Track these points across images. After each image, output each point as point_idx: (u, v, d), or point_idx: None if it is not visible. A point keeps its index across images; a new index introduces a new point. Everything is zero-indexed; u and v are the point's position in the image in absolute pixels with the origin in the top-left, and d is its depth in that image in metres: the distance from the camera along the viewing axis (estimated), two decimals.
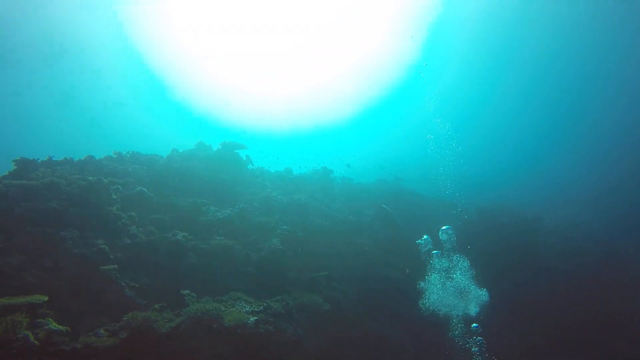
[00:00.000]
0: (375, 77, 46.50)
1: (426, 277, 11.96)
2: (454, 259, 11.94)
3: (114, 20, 41.50)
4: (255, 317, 8.01)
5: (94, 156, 14.96)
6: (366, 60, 42.28)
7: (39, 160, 12.91)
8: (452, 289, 11.64)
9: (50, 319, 6.42)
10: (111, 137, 61.26)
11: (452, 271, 12.05)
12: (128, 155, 15.88)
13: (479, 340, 10.43)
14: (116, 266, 8.53)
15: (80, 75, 51.36)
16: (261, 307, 8.55)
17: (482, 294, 11.37)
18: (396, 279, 13.37)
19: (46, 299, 6.65)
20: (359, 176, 27.50)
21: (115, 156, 15.42)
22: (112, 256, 8.81)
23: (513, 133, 55.44)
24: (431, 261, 12.05)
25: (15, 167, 12.52)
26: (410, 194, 22.80)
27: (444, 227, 13.83)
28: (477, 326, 10.94)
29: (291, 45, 39.15)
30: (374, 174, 29.96)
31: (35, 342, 5.83)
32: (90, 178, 9.94)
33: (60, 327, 6.34)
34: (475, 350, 10.26)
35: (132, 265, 9.34)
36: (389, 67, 43.94)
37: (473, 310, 11.17)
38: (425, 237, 13.47)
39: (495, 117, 53.12)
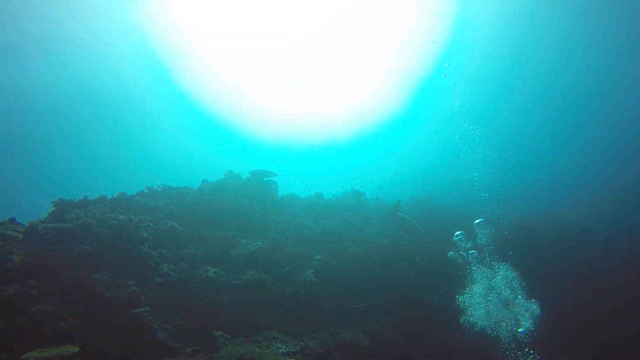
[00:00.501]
0: (390, 88, 44.80)
1: (466, 289, 11.35)
2: (494, 266, 11.27)
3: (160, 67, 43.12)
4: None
5: (126, 193, 15.17)
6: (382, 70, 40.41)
7: (75, 201, 13.16)
8: (498, 302, 10.91)
9: None
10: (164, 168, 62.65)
11: (495, 280, 11.36)
12: (159, 189, 16.03)
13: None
14: (148, 308, 8.31)
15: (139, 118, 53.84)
16: (297, 347, 8.09)
17: (533, 307, 10.57)
18: (438, 305, 12.64)
19: (76, 349, 6.47)
20: (391, 196, 26.86)
21: (147, 191, 15.60)
22: (143, 297, 8.61)
23: (541, 134, 52.35)
24: (470, 269, 11.41)
25: (54, 209, 12.79)
26: (445, 211, 21.94)
27: (478, 221, 13.15)
28: (524, 331, 10.16)
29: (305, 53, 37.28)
30: (405, 192, 29.28)
31: None
32: (121, 217, 9.92)
33: None
34: None
35: (164, 305, 9.13)
36: (404, 78, 42.44)
37: (526, 324, 10.34)
38: (459, 232, 12.89)
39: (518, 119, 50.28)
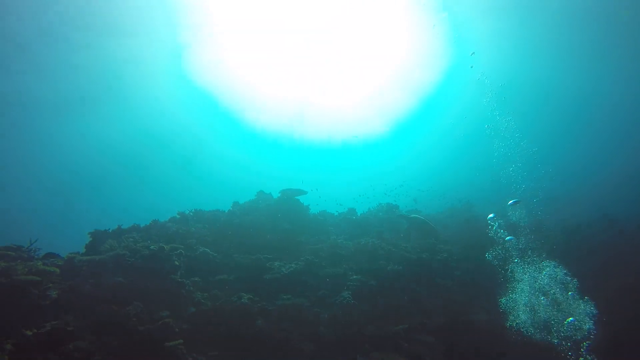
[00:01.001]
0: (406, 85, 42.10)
1: (509, 289, 10.68)
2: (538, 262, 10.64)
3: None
4: None
5: (158, 220, 15.29)
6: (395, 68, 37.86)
7: (110, 230, 13.33)
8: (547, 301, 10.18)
9: None
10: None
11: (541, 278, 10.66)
12: (191, 214, 16.07)
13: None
14: (181, 340, 8.09)
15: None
16: None
17: (588, 307, 9.80)
18: (485, 321, 11.82)
19: None
20: (425, 207, 26.00)
21: (179, 217, 15.65)
22: (177, 329, 8.41)
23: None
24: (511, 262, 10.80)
25: (90, 240, 13.00)
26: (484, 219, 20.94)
27: (511, 202, 12.51)
28: (573, 320, 9.50)
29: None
30: (441, 202, 28.28)
31: None
32: (152, 247, 9.86)
33: None
34: None
35: (198, 336, 8.90)
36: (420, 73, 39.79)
37: (585, 325, 9.56)
38: (491, 215, 12.34)
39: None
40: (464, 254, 14.87)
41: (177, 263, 10.11)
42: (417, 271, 13.02)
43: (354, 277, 11.45)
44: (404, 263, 13.20)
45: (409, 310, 11.48)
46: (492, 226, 12.33)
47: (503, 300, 10.53)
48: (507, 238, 11.71)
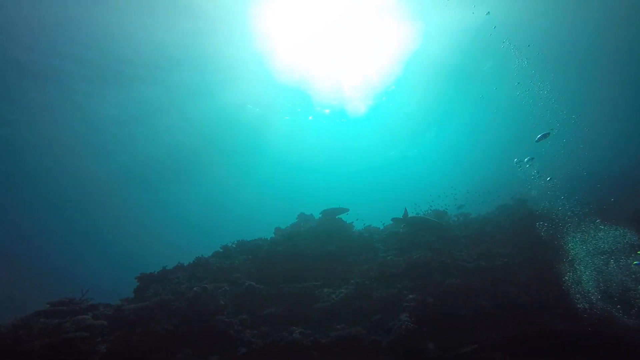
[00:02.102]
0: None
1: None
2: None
3: None
4: None
5: (203, 256, 15.13)
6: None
7: (156, 272, 13.26)
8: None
9: None
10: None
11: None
12: (234, 246, 15.83)
13: None
14: None
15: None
16: None
17: None
18: (561, 331, 10.57)
19: None
20: (473, 209, 24.54)
21: (222, 250, 15.44)
22: None
23: None
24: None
25: (138, 284, 12.95)
26: (542, 217, 19.31)
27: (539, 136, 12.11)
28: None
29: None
30: (487, 199, 26.65)
31: None
32: (195, 289, 9.53)
33: None
34: None
35: None
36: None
37: None
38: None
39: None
40: (525, 256, 13.70)
41: (222, 302, 9.72)
42: (478, 282, 11.97)
43: (410, 296, 10.59)
44: (462, 274, 12.20)
45: (473, 325, 10.46)
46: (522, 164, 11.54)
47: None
48: (547, 179, 10.89)
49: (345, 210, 16.65)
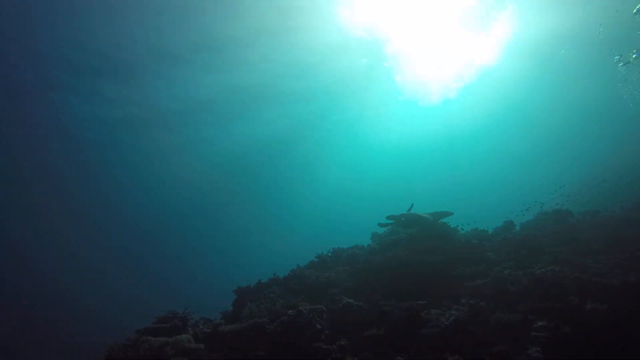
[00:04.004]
0: None
1: None
2: None
3: None
4: None
5: (299, 266, 14.74)
6: None
7: (252, 285, 13.15)
8: None
9: None
10: None
11: None
12: (329, 255, 15.18)
13: None
14: None
15: None
16: None
17: None
18: None
19: None
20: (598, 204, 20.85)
21: (317, 260, 14.90)
22: None
23: None
24: None
25: (235, 297, 12.96)
26: None
27: None
28: None
29: None
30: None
31: None
32: (290, 312, 8.93)
33: None
34: None
35: None
36: None
37: None
38: None
39: None
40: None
41: (319, 327, 8.98)
42: (626, 303, 9.58)
43: (539, 323, 8.75)
44: (605, 294, 9.88)
45: None
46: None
47: None
48: None
49: (449, 214, 14.94)
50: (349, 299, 11.10)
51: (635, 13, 9.99)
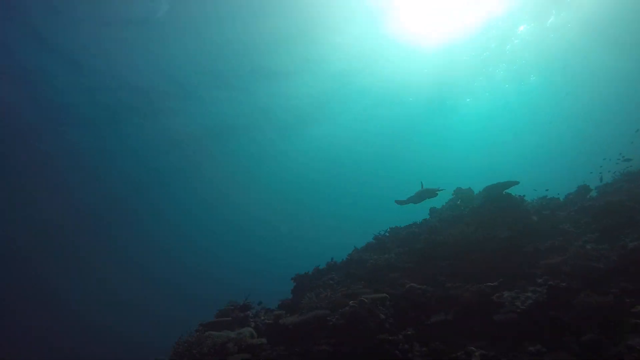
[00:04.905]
0: None
1: None
2: None
3: None
4: None
5: (356, 248, 14.29)
6: None
7: (310, 273, 12.90)
8: None
9: None
10: None
11: None
12: (387, 235, 14.54)
13: None
14: None
15: None
16: None
17: None
18: None
19: None
20: None
21: (375, 242, 14.33)
22: None
23: None
24: None
25: (294, 285, 12.79)
26: None
27: None
28: None
29: None
30: None
31: None
32: (351, 303, 8.49)
33: None
34: None
35: None
36: None
37: None
38: None
39: None
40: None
41: (382, 316, 8.51)
42: None
43: (638, 308, 7.66)
44: None
45: None
46: None
47: None
48: None
49: (514, 183, 13.65)
50: (412, 282, 10.48)
51: None
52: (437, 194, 15.16)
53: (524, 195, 13.90)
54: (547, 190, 15.54)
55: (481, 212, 12.99)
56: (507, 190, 13.64)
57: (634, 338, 6.97)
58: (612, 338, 7.26)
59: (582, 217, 12.07)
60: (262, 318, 10.40)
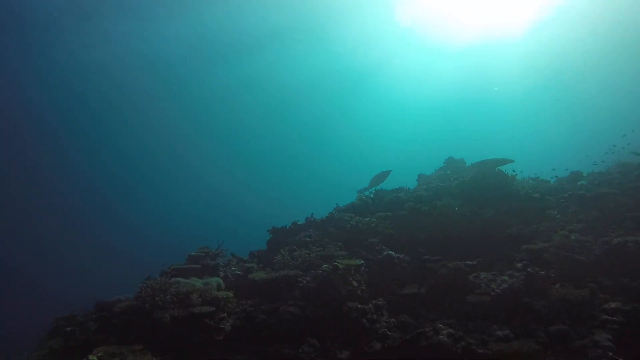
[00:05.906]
0: None
1: None
2: None
3: None
4: None
5: (338, 205, 13.98)
6: None
7: (287, 227, 12.61)
8: None
9: None
10: None
11: None
12: (371, 198, 14.16)
13: None
14: None
15: None
16: None
17: None
18: None
19: None
20: None
21: (358, 203, 13.97)
22: None
23: None
24: None
25: (270, 237, 12.52)
26: None
27: None
28: None
29: None
30: None
31: None
32: (325, 267, 8.24)
33: None
34: None
35: None
36: None
37: None
38: None
39: None
40: None
41: (355, 283, 8.30)
42: None
43: (611, 304, 7.54)
44: None
45: None
46: None
47: None
48: None
49: (508, 161, 13.23)
50: (390, 250, 10.28)
51: None
52: (387, 176, 16.29)
53: (515, 174, 13.51)
54: (554, 169, 15.36)
55: (470, 187, 12.63)
56: (500, 167, 13.25)
57: (601, 334, 6.89)
58: (580, 331, 7.19)
59: (571, 205, 11.83)
60: (233, 268, 10.18)
